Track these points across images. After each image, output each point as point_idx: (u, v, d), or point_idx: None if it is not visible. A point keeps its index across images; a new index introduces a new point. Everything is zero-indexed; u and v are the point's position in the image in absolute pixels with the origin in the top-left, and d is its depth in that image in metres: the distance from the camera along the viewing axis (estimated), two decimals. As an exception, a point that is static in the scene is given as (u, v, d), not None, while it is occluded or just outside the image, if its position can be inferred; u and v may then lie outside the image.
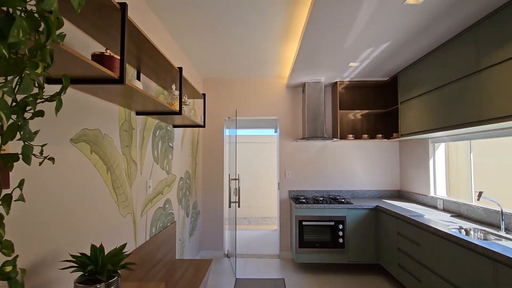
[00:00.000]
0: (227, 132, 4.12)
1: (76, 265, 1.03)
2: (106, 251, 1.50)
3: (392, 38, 2.37)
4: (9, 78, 0.50)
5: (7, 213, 0.51)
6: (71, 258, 1.20)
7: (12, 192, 0.53)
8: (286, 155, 3.88)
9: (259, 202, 6.90)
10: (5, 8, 0.49)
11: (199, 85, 3.77)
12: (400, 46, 2.53)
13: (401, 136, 3.19)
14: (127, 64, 1.46)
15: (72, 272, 0.99)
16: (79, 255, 1.07)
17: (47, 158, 0.69)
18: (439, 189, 3.11)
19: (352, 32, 2.24)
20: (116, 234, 1.63)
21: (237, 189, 3.39)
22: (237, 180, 3.46)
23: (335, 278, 3.13)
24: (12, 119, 0.52)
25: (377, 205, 3.21)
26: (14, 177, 0.95)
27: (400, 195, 3.78)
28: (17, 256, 0.53)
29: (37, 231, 1.06)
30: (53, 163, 0.92)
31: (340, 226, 3.24)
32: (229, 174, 3.45)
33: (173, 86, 2.03)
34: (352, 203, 3.30)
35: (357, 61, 2.94)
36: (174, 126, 2.68)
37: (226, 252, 3.92)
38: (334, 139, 3.48)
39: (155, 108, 1.76)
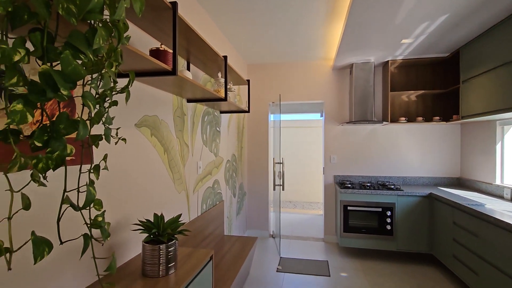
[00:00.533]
0: (271, 117, 4.20)
1: (142, 228, 1.25)
2: (165, 220, 1.75)
3: (451, 10, 2.13)
4: (93, 76, 0.65)
5: (97, 179, 0.68)
6: (138, 223, 1.45)
7: (99, 163, 0.70)
8: (332, 139, 3.82)
9: (305, 187, 6.94)
10: (89, 21, 0.63)
11: (243, 71, 3.89)
12: (462, 18, 2.27)
13: (462, 118, 2.89)
14: (178, 56, 1.62)
15: (140, 233, 1.21)
16: (145, 221, 1.29)
17: (121, 138, 0.86)
18: (507, 177, 2.78)
19: (404, 6, 2.09)
20: (172, 207, 1.87)
21: (281, 173, 3.49)
22: (281, 164, 3.55)
23: (382, 264, 3.08)
24: (96, 108, 0.67)
25: (430, 192, 3.01)
26: (95, 154, 1.18)
27: (460, 183, 3.46)
28: (105, 211, 0.71)
29: (113, 200, 1.31)
30: (125, 143, 1.11)
31: (388, 213, 3.13)
32: (273, 158, 3.56)
33: (219, 74, 2.17)
34: (402, 190, 3.14)
35: (410, 37, 2.71)
36: (221, 112, 2.85)
37: (271, 233, 4.10)
38: (384, 123, 3.31)
39: (203, 95, 1.92)
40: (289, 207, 6.34)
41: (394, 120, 3.48)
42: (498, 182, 2.83)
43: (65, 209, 0.68)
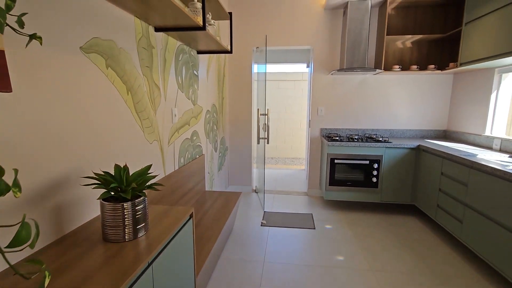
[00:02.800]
0: (255, 68, 3.80)
1: (99, 182, 0.96)
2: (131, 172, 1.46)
3: None
4: None
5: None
6: (94, 176, 1.15)
7: None
8: (320, 90, 3.55)
9: (287, 143, 6.82)
10: None
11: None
12: None
13: (460, 65, 2.70)
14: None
15: (94, 188, 0.92)
16: (102, 173, 0.99)
17: (34, 37, 0.52)
18: (497, 128, 2.71)
19: None
20: (143, 159, 1.57)
21: (266, 125, 3.23)
22: (266, 116, 3.27)
23: (365, 215, 3.08)
24: None
25: (419, 145, 2.93)
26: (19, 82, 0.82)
27: (446, 136, 3.42)
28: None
29: (58, 146, 0.98)
30: (41, 44, 0.76)
31: (375, 165, 3.05)
32: (257, 109, 3.26)
33: (195, -3, 1.73)
34: (390, 142, 3.03)
35: (419, -34, 2.33)
36: (199, 53, 2.44)
37: (254, 188, 3.98)
38: (377, 71, 3.06)
39: (176, 20, 1.52)
40: (271, 163, 6.26)
41: (388, 68, 3.24)
42: (487, 133, 2.77)
43: None
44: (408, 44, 3.26)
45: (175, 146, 2.01)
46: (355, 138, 3.23)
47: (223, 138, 3.51)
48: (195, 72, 2.40)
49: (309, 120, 3.69)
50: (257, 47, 3.57)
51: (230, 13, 2.28)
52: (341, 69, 3.12)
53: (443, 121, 3.44)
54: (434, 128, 3.46)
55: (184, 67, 2.14)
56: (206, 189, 2.86)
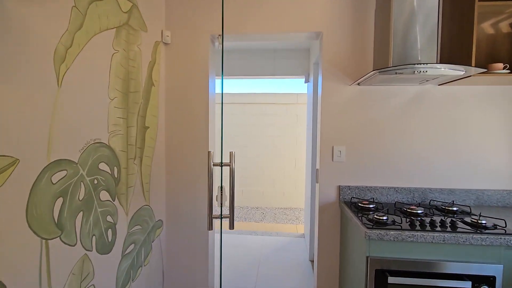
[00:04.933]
0: (213, 85, 2.14)
1: None
2: None
3: None
4: None
5: None
6: None
7: None
8: (336, 114, 1.87)
9: (278, 187, 5.06)
10: None
11: (151, -40, 1.75)
12: None
13: None
14: None
15: None
16: None
17: None
18: None
19: None
20: None
21: (229, 188, 1.47)
22: (230, 167, 1.53)
23: None
24: None
25: None
26: None
27: None
28: None
29: None
30: None
31: (485, 291, 1.28)
32: (210, 152, 1.51)
33: None
34: (517, 233, 1.30)
35: None
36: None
37: (215, 293, 2.13)
38: (474, 70, 1.40)
39: None
40: (255, 218, 4.43)
41: (481, 64, 1.60)
42: None
43: None
44: (505, 27, 1.68)
45: None
46: (420, 213, 1.50)
47: (147, 210, 1.72)
48: None
49: (316, 170, 1.96)
50: (218, 35, 1.93)
51: None
52: (383, 70, 1.44)
53: None
54: None
55: None
56: None
